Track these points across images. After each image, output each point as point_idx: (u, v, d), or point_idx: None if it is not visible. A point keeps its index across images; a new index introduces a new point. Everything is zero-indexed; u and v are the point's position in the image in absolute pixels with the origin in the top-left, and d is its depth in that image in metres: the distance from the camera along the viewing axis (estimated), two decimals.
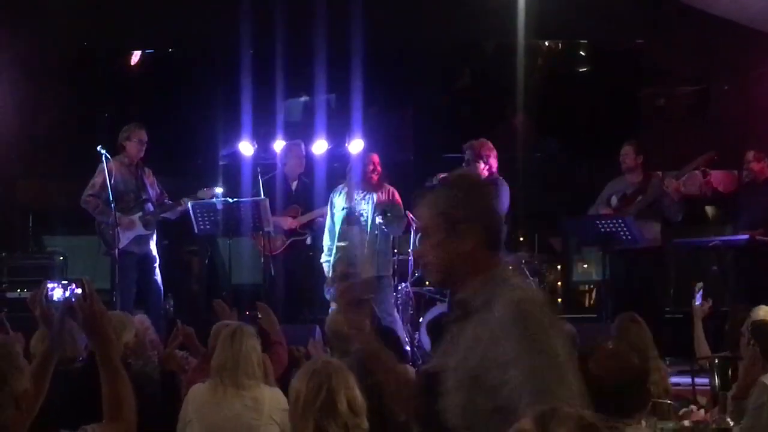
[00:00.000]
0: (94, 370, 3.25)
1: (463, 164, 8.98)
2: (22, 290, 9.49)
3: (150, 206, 9.38)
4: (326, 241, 9.46)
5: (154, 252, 9.41)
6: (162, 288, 9.47)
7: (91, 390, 3.29)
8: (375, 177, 9.31)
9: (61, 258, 10.62)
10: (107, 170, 8.97)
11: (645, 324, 5.88)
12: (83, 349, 5.09)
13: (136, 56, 12.28)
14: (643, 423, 4.00)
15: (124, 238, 9.19)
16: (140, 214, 9.30)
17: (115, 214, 8.98)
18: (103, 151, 8.97)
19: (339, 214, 9.38)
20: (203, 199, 9.38)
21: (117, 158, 9.32)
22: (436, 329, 6.83)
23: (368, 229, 9.27)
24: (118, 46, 12.15)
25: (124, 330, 5.39)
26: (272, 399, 4.73)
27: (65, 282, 3.16)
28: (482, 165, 8.86)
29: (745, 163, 9.51)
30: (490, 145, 8.98)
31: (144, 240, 9.33)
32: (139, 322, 6.39)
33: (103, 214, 9.14)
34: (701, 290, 6.88)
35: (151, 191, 9.46)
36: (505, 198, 8.95)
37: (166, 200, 9.50)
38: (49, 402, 3.48)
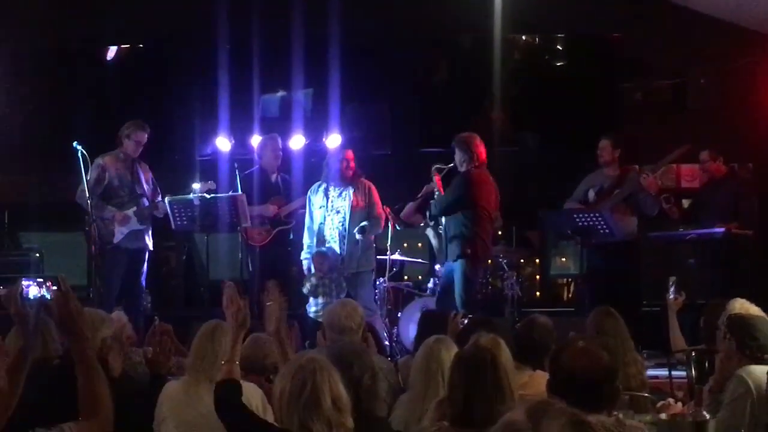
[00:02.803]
0: (70, 368, 3.24)
1: (455, 156, 8.95)
2: None
3: (145, 201, 9.33)
4: (306, 239, 9.46)
5: (150, 245, 9.36)
6: (144, 286, 9.44)
7: (68, 388, 3.29)
8: (350, 173, 9.31)
9: (37, 255, 10.57)
10: (82, 166, 8.88)
11: (620, 317, 5.90)
12: (60, 346, 5.07)
13: (111, 51, 12.23)
14: (620, 416, 4.03)
15: (119, 233, 9.16)
16: (135, 208, 9.25)
17: (91, 211, 8.92)
18: (79, 147, 8.89)
19: (317, 212, 9.39)
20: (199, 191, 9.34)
21: (113, 153, 9.30)
22: (428, 322, 6.67)
23: (346, 225, 9.27)
24: (93, 41, 12.09)
25: (101, 326, 5.35)
26: (246, 393, 4.72)
27: (41, 279, 3.14)
28: (464, 157, 8.87)
29: (701, 163, 9.64)
30: (477, 138, 8.95)
31: (139, 235, 9.29)
32: (116, 319, 6.37)
33: (97, 208, 9.08)
34: (675, 284, 6.91)
35: (146, 186, 9.41)
36: (470, 191, 8.86)
37: (158, 199, 9.43)
38: (24, 400, 3.47)
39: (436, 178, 9.06)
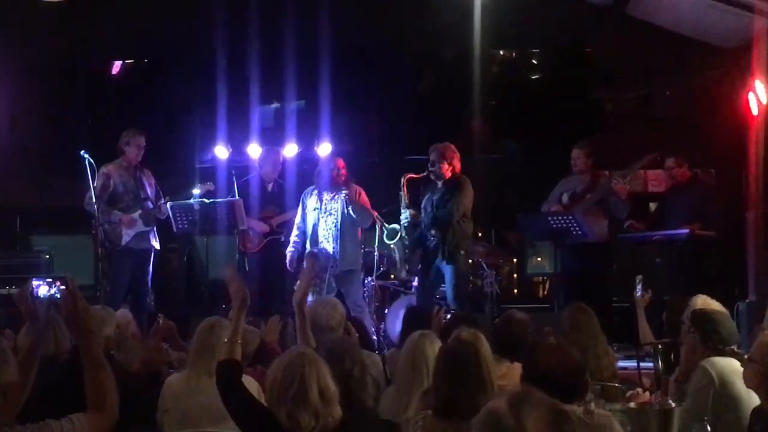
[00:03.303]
0: (78, 363, 3.24)
1: (429, 165, 9.03)
2: (9, 287, 9.37)
3: (149, 203, 9.33)
4: (292, 236, 9.48)
5: (156, 246, 9.37)
6: (149, 285, 9.43)
7: (76, 381, 3.28)
8: (341, 179, 9.32)
9: (47, 256, 10.53)
10: (89, 173, 8.90)
11: (593, 313, 5.92)
12: (69, 342, 5.07)
13: (117, 66, 12.23)
14: (593, 405, 4.04)
15: (126, 236, 9.17)
16: (140, 212, 9.25)
17: (98, 216, 8.93)
18: (86, 156, 8.92)
19: (310, 214, 9.39)
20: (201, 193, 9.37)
21: (116, 162, 9.32)
22: (412, 318, 6.68)
23: (338, 226, 9.28)
24: (97, 55, 12.08)
25: (105, 323, 5.36)
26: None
27: (50, 279, 3.14)
28: (446, 165, 9.00)
29: (667, 169, 9.65)
30: (454, 147, 9.10)
31: (145, 236, 9.29)
32: (122, 316, 6.37)
33: (104, 213, 9.10)
34: (641, 282, 6.95)
35: (149, 190, 9.42)
36: (469, 196, 9.00)
37: (161, 203, 9.42)
38: (35, 393, 3.47)
39: (405, 191, 9.15)
